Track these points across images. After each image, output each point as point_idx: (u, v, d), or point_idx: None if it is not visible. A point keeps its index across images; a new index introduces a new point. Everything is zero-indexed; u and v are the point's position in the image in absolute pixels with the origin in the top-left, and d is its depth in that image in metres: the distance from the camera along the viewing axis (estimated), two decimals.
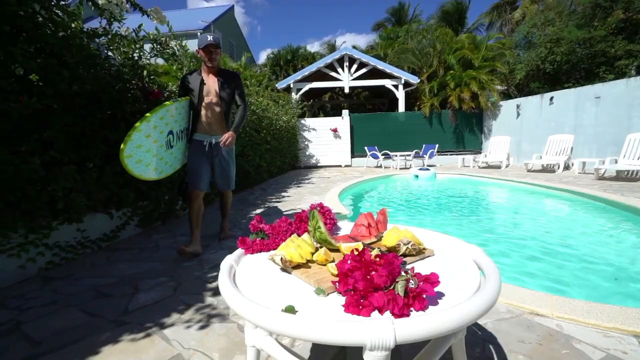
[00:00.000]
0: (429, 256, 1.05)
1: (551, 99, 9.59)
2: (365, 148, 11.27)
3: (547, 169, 8.70)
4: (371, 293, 0.73)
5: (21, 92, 2.10)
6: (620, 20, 11.25)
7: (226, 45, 20.27)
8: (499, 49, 12.40)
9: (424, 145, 11.05)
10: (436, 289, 0.84)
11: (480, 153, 11.55)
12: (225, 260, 1.06)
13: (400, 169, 10.16)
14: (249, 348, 1.07)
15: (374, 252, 0.96)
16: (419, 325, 0.67)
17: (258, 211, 4.48)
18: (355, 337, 0.66)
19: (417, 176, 8.21)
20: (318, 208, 1.32)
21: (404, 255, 1.00)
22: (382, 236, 1.12)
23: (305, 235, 1.10)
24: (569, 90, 9.21)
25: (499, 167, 9.86)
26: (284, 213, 4.31)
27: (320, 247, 1.05)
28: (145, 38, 3.36)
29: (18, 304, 1.95)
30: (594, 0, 11.73)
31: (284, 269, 0.99)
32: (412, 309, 0.73)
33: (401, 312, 0.70)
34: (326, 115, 19.14)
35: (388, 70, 11.79)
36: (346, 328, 0.67)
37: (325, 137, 11.91)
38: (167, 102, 2.55)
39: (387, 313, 0.72)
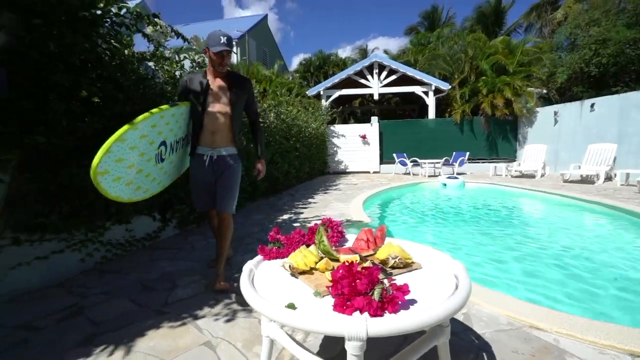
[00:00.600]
0: (416, 269, 1.22)
1: (592, 105, 9.17)
2: (394, 155, 11.30)
3: (586, 180, 8.32)
4: (354, 297, 0.93)
5: (85, 114, 2.49)
6: None
7: (260, 53, 21.01)
8: (535, 53, 11.98)
9: (454, 152, 10.90)
10: (415, 296, 1.02)
11: (515, 161, 11.20)
12: (246, 265, 1.30)
13: (429, 176, 10.11)
14: (264, 338, 1.29)
15: (366, 264, 1.16)
16: (387, 324, 0.86)
17: (285, 217, 4.76)
18: (337, 329, 0.86)
19: (445, 184, 8.17)
20: (327, 222, 1.53)
21: (392, 267, 1.19)
22: (378, 250, 1.31)
23: (313, 247, 1.31)
24: (613, 97, 8.77)
25: (533, 176, 9.54)
26: (309, 219, 4.55)
27: (324, 257, 1.26)
28: (185, 58, 3.76)
29: (80, 292, 2.32)
30: None
31: (292, 274, 1.20)
32: (386, 311, 0.91)
33: (375, 313, 0.89)
34: (357, 120, 19.29)
35: (418, 77, 11.77)
36: (330, 322, 0.87)
37: (354, 144, 12.08)
38: (163, 107, 2.07)
39: (366, 313, 0.91)
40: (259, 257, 1.39)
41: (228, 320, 1.89)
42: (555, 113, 10.29)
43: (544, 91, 12.67)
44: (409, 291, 0.94)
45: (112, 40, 2.78)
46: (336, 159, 12.30)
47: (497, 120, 11.34)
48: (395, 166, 11.31)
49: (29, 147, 2.14)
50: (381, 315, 0.90)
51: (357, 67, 12.45)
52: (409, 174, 11.01)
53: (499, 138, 11.65)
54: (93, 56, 2.57)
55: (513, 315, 1.89)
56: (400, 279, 1.15)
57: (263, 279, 1.22)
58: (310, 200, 6.25)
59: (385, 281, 0.98)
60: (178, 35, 3.14)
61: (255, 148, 2.59)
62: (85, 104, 2.52)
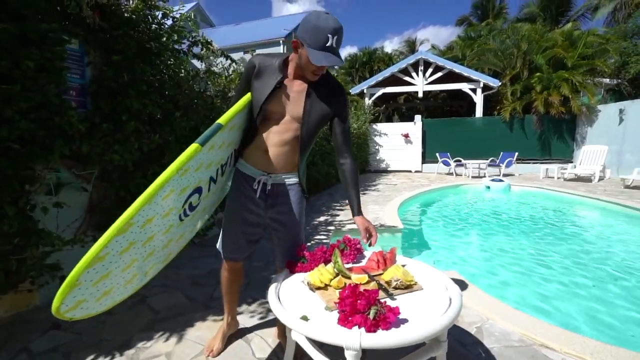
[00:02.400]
0: (417, 290, 1.40)
1: None
2: (437, 154, 11.09)
3: None
4: (354, 314, 1.15)
5: (149, 132, 2.92)
6: None
7: None
8: (600, 44, 10.99)
9: (501, 152, 10.45)
10: (410, 315, 1.21)
11: (571, 163, 10.46)
12: (275, 277, 1.56)
13: (473, 177, 9.82)
14: (289, 339, 1.55)
15: (371, 285, 1.37)
16: (377, 338, 1.07)
17: (322, 219, 5.02)
18: (338, 340, 1.09)
19: (488, 187, 7.95)
20: (347, 241, 1.75)
21: (395, 288, 1.38)
22: (386, 270, 1.50)
23: (330, 265, 1.54)
24: None
25: (589, 180, 8.88)
26: (344, 222, 4.77)
27: (338, 274, 1.48)
28: (234, 73, 4.14)
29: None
30: None
31: (310, 289, 1.44)
32: (380, 327, 1.12)
33: (369, 329, 1.10)
34: (401, 116, 19.04)
35: (465, 74, 11.39)
36: (333, 334, 1.10)
37: (396, 142, 12.03)
38: (187, 154, 1.28)
39: (363, 328, 1.12)
40: (285, 271, 1.64)
41: (262, 318, 2.19)
42: (621, 111, 9.44)
43: (614, 82, 11.59)
44: (399, 313, 1.14)
45: (172, 65, 3.20)
46: (377, 158, 12.34)
47: (551, 119, 10.65)
48: (438, 166, 11.11)
49: (107, 162, 2.59)
50: (374, 332, 1.11)
51: (401, 64, 12.33)
52: (452, 174, 10.76)
53: (553, 138, 10.95)
54: (157, 81, 2.99)
55: (526, 332, 1.97)
56: (400, 299, 1.34)
57: (287, 291, 1.47)
58: (347, 201, 6.44)
59: (383, 301, 1.19)
60: (227, 57, 3.50)
61: (350, 199, 1.68)
62: (149, 122, 2.95)
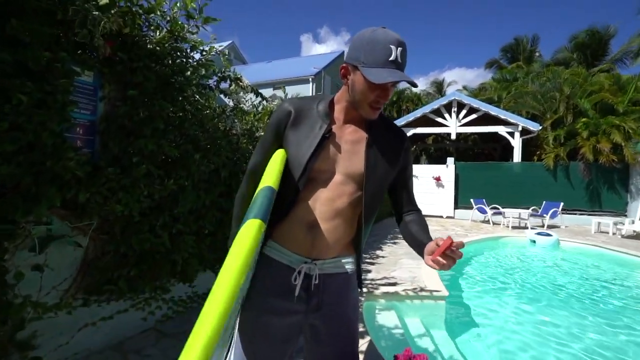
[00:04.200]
0: None
1: None
2: (472, 200, 10.33)
3: None
4: None
5: (163, 176, 2.53)
6: None
7: (334, 88, 21.62)
8: None
9: (544, 202, 9.57)
10: None
11: (625, 216, 9.41)
12: None
13: (513, 228, 8.95)
14: None
15: None
16: None
17: None
18: None
19: (534, 242, 7.10)
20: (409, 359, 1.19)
21: None
22: None
23: None
24: None
25: None
26: (376, 281, 4.15)
27: None
28: (264, 112, 3.80)
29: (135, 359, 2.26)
30: None
31: None
32: None
33: None
34: (429, 158, 18.44)
35: (502, 116, 10.85)
36: None
37: (427, 185, 11.39)
38: (250, 238, 0.77)
39: None
40: None
41: None
42: None
43: None
44: None
45: (195, 102, 2.87)
46: None
47: (600, 167, 9.77)
48: (473, 213, 10.30)
49: (109, 212, 2.19)
50: None
51: (434, 105, 11.99)
52: (487, 222, 9.92)
53: (603, 188, 9.99)
54: (177, 118, 2.65)
55: None
56: None
57: None
58: (378, 252, 5.83)
59: None
60: (257, 94, 3.16)
61: (418, 237, 1.11)
62: (163, 165, 2.58)
